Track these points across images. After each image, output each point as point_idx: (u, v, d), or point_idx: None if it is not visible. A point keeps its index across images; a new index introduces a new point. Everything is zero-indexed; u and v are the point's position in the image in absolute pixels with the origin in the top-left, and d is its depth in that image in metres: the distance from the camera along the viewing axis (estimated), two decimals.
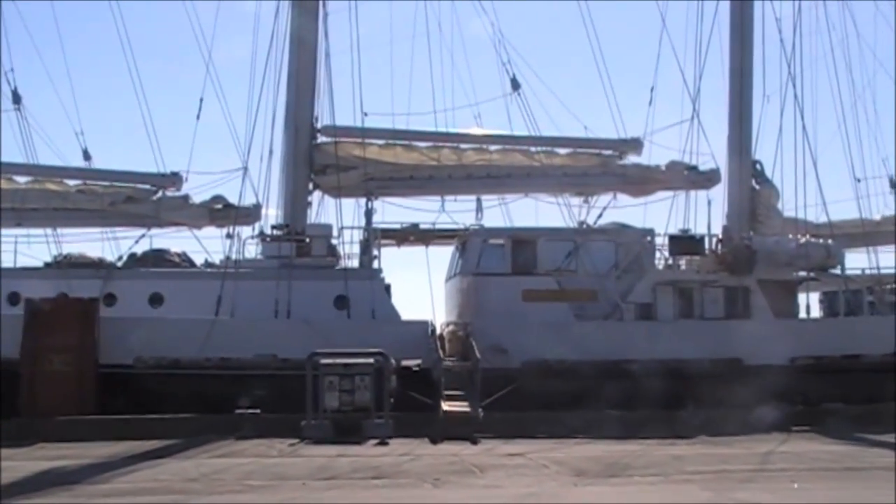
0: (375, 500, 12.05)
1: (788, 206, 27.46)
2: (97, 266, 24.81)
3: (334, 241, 25.53)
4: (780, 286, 26.24)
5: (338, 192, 26.11)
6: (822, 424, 20.13)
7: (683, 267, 26.91)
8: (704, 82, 28.06)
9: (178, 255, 25.92)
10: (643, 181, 27.54)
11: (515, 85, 27.07)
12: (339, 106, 26.39)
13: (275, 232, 25.74)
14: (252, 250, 25.58)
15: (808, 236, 26.63)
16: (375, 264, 25.11)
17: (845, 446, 17.66)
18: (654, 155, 28.17)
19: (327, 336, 21.77)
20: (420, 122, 27.61)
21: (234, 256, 24.87)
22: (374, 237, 25.33)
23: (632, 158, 28.19)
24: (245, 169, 25.00)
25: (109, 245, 25.92)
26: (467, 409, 20.55)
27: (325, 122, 26.66)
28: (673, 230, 26.78)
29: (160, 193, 26.15)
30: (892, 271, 27.97)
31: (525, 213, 28.25)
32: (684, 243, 26.42)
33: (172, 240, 26.35)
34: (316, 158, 26.58)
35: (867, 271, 27.29)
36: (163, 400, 20.54)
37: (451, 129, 27.70)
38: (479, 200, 26.64)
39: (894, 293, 28.65)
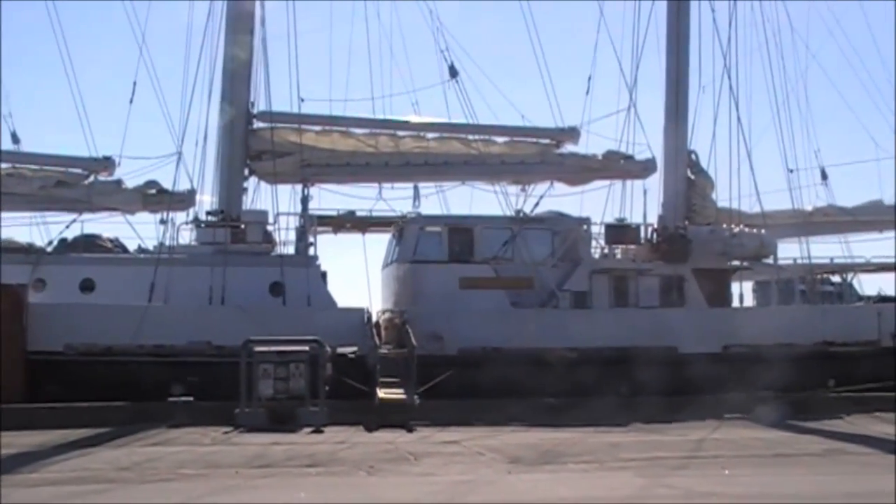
0: (310, 487, 11.95)
1: (723, 197, 27.89)
2: (26, 251, 24.30)
3: (270, 228, 25.32)
4: (714, 275, 26.60)
5: (274, 178, 25.89)
6: (754, 411, 20.39)
7: (619, 255, 27.14)
8: (641, 72, 28.37)
9: (111, 240, 25.48)
10: (580, 170, 27.67)
11: (453, 72, 27.03)
12: (275, 92, 26.20)
13: (209, 218, 25.49)
14: (186, 236, 25.36)
15: (741, 226, 26.99)
16: (311, 251, 24.95)
17: (777, 433, 17.91)
18: (591, 144, 28.37)
19: (262, 323, 21.59)
20: (357, 109, 27.53)
21: (167, 242, 24.54)
22: (310, 224, 25.16)
23: (569, 147, 28.31)
24: (179, 154, 24.72)
25: (39, 230, 25.42)
26: (403, 397, 20.52)
27: (262, 107, 26.40)
28: (609, 219, 27.14)
29: (92, 178, 25.67)
30: (824, 261, 28.47)
31: (462, 201, 28.30)
32: (620, 232, 26.69)
33: (104, 225, 25.97)
34: (252, 144, 26.31)
35: (799, 261, 27.66)
36: (94, 388, 20.16)
37: (389, 117, 27.60)
38: (416, 188, 26.65)
39: (826, 283, 29.20)
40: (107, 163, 25.63)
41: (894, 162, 27.88)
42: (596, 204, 27.96)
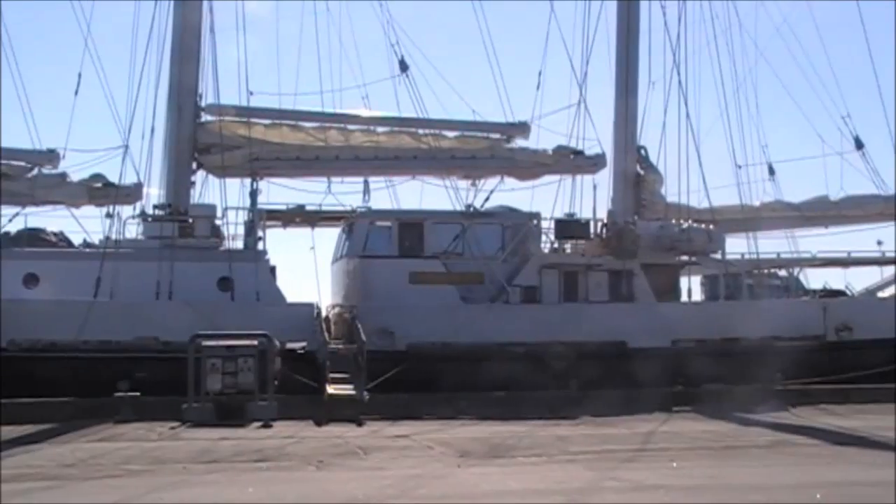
0: (258, 483, 11.87)
1: (672, 192, 28.12)
2: None
3: (218, 222, 25.18)
4: (663, 270, 26.83)
5: (222, 171, 25.69)
6: (702, 405, 20.60)
7: (569, 251, 27.26)
8: (591, 68, 28.52)
9: (55, 234, 25.17)
10: (530, 165, 27.76)
11: (404, 67, 26.95)
12: (224, 84, 26.00)
13: (157, 212, 25.25)
14: (133, 230, 25.09)
15: (690, 221, 27.22)
16: (260, 246, 24.85)
17: (724, 426, 18.09)
18: (542, 139, 28.48)
19: (210, 318, 21.43)
20: (307, 103, 27.43)
21: (113, 236, 24.23)
22: (259, 218, 25.01)
23: (519, 142, 28.41)
24: (126, 147, 24.42)
25: None
26: (352, 392, 20.47)
27: (210, 100, 26.27)
28: (559, 214, 27.21)
29: (35, 171, 25.31)
30: (771, 256, 28.80)
31: (412, 195, 28.25)
32: (570, 227, 26.80)
33: (49, 219, 25.59)
34: (200, 137, 26.13)
35: (746, 256, 27.99)
36: (38, 384, 19.88)
37: (339, 111, 27.51)
38: (366, 182, 26.59)
39: (772, 277, 29.54)
40: (51, 155, 25.29)
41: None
42: (546, 199, 28.10)
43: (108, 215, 24.50)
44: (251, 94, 25.67)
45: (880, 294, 28.98)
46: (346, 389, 20.64)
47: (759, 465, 13.31)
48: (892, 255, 29.43)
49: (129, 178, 24.73)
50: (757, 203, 29.16)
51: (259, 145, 26.04)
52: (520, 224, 25.90)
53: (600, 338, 24.06)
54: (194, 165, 26.31)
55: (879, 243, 29.29)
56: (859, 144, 28.96)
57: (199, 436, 16.52)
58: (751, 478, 12.29)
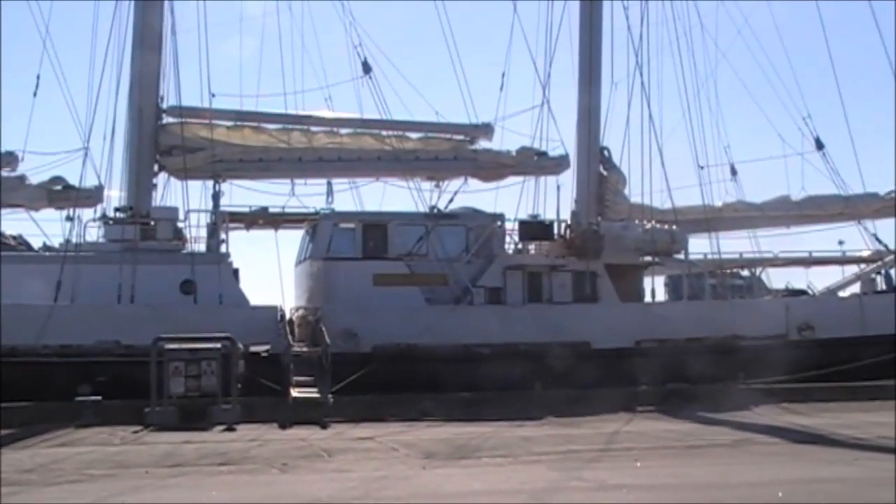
0: (221, 486, 11.85)
1: (635, 192, 28.30)
2: None
3: (180, 225, 25.02)
4: (626, 271, 26.97)
5: (184, 174, 25.53)
6: (665, 404, 20.76)
7: (533, 252, 27.37)
8: (554, 69, 28.67)
9: (14, 237, 24.94)
10: (494, 166, 27.88)
11: (367, 68, 26.97)
12: (185, 86, 25.88)
13: (118, 214, 25.04)
14: (94, 233, 24.87)
15: (653, 222, 27.41)
16: (223, 248, 24.73)
17: (687, 425, 18.23)
18: (505, 140, 28.62)
19: (173, 322, 21.33)
20: (269, 105, 27.43)
21: (74, 240, 24.08)
22: (221, 220, 24.90)
23: (483, 144, 28.53)
24: (86, 149, 24.33)
25: None
26: (316, 395, 20.45)
27: (171, 102, 26.11)
28: (523, 215, 27.32)
29: None
30: (733, 256, 29.06)
31: (376, 197, 28.31)
32: (534, 228, 26.88)
33: (8, 222, 25.41)
34: (161, 139, 26.03)
35: (709, 256, 28.21)
36: None
37: (302, 112, 27.49)
38: (329, 184, 26.59)
39: (735, 277, 29.81)
40: (9, 158, 25.13)
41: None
42: (510, 200, 28.24)
43: (69, 218, 24.41)
44: (213, 95, 25.61)
45: (841, 293, 29.31)
46: (311, 392, 20.60)
47: (721, 464, 13.44)
48: (854, 254, 29.87)
49: (90, 181, 24.69)
50: (719, 203, 29.41)
51: (221, 147, 25.97)
52: (484, 225, 25.97)
53: (564, 338, 24.17)
54: (156, 167, 26.19)
55: (841, 243, 29.73)
56: (820, 145, 29.27)
57: (161, 440, 16.44)
58: (713, 476, 12.42)
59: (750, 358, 23.95)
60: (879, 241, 29.12)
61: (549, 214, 27.46)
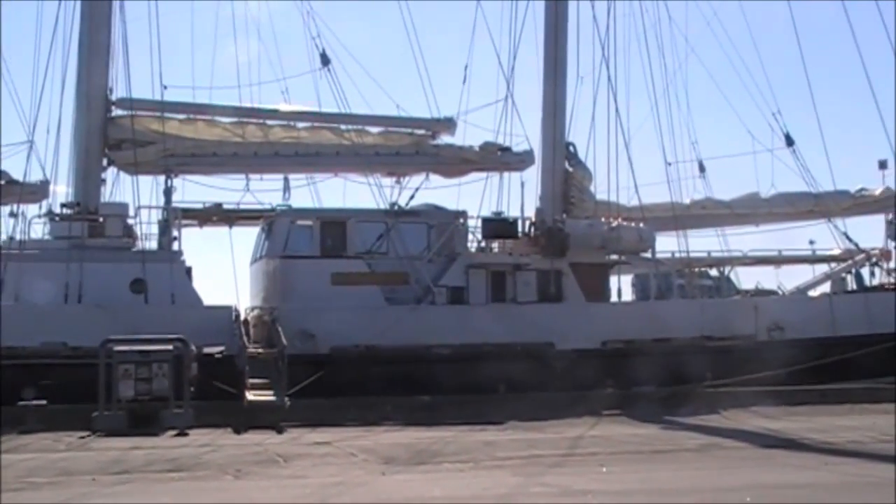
0: (171, 494, 11.75)
1: (601, 189, 28.37)
2: None
3: (130, 221, 24.85)
4: (592, 269, 27.04)
5: (134, 168, 25.41)
6: (632, 407, 20.84)
7: (496, 250, 27.39)
8: (519, 62, 28.70)
9: None
10: (456, 162, 27.89)
11: (325, 60, 26.88)
12: (135, 77, 25.64)
13: (64, 211, 24.84)
14: (39, 230, 24.65)
15: (620, 220, 27.49)
16: (175, 246, 24.55)
17: (654, 429, 18.32)
18: (468, 135, 28.61)
19: (123, 322, 21.19)
20: (223, 97, 27.24)
21: (18, 237, 23.84)
22: (173, 217, 24.74)
23: (445, 138, 28.53)
24: (31, 143, 24.10)
25: None
26: (272, 399, 20.35)
27: (121, 93, 25.87)
28: (486, 212, 27.32)
29: None
30: (702, 254, 29.22)
31: (334, 193, 28.18)
32: (497, 226, 26.90)
33: None
34: (110, 132, 25.79)
35: (677, 255, 28.35)
36: None
37: (257, 105, 27.35)
38: (286, 180, 26.45)
39: (703, 276, 29.99)
40: None
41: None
42: (472, 197, 28.23)
43: (13, 214, 24.21)
44: (165, 87, 25.47)
45: (812, 293, 29.58)
46: (266, 395, 20.52)
47: (688, 469, 13.52)
48: (824, 253, 30.14)
49: (35, 176, 24.46)
50: (687, 201, 29.56)
51: (173, 141, 25.77)
52: (446, 223, 25.95)
53: (528, 339, 24.22)
54: (105, 162, 25.94)
55: (811, 242, 29.98)
56: (790, 141, 29.48)
57: (109, 445, 16.27)
58: (680, 482, 12.47)
59: (718, 359, 24.09)
60: (850, 240, 29.42)
61: (513, 212, 27.60)
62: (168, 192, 24.98)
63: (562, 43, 28.70)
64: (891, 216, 29.57)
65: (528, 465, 13.84)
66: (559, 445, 15.89)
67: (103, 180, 25.99)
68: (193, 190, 26.44)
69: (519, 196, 27.65)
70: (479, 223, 26.78)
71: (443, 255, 25.63)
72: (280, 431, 18.09)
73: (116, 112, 26.05)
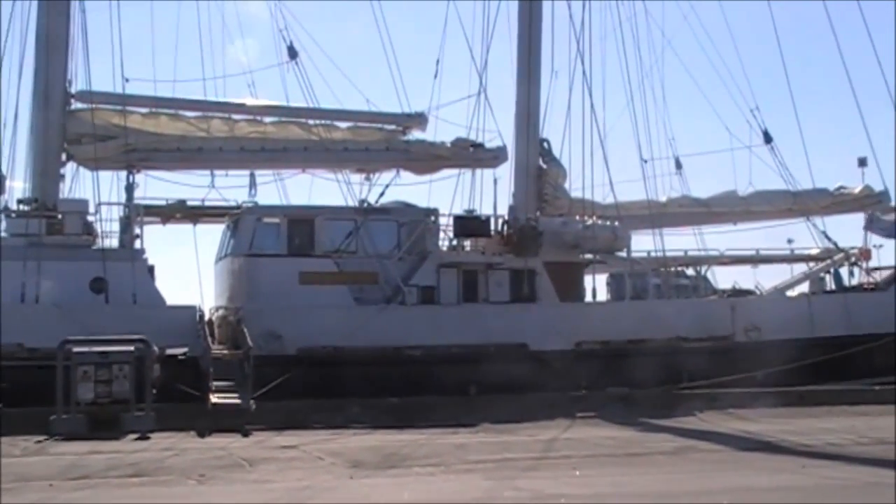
0: (133, 499, 11.70)
1: (576, 187, 28.47)
2: None
3: (91, 218, 24.71)
4: (566, 269, 27.13)
5: (95, 163, 25.17)
6: (606, 410, 20.90)
7: (468, 248, 27.42)
8: (492, 56, 28.74)
9: None
10: (427, 158, 27.91)
11: (293, 53, 26.88)
12: (96, 70, 25.57)
13: (21, 207, 24.71)
14: None
15: (595, 218, 27.57)
16: (137, 244, 24.47)
17: (629, 432, 18.38)
18: (440, 131, 28.67)
19: (82, 323, 21.07)
20: (188, 91, 27.14)
21: None
22: (135, 214, 24.67)
23: (416, 134, 28.57)
24: None
25: None
26: (237, 402, 20.29)
27: (81, 86, 25.79)
28: (458, 210, 27.38)
29: None
30: (678, 253, 29.35)
31: (302, 190, 28.18)
32: (469, 224, 26.94)
33: None
34: (70, 126, 25.66)
35: (653, 253, 28.48)
36: None
37: (223, 99, 27.25)
38: (252, 176, 26.41)
39: (680, 275, 30.11)
40: None
41: None
42: (444, 194, 28.27)
43: None
44: (127, 80, 25.36)
45: (790, 293, 29.77)
46: (231, 398, 20.45)
47: (663, 473, 13.56)
48: (802, 252, 30.35)
49: None
50: (663, 198, 29.70)
51: (135, 135, 25.69)
52: (416, 221, 25.96)
53: (501, 340, 24.27)
54: (64, 157, 25.80)
55: (789, 241, 30.19)
56: (768, 138, 29.69)
57: (68, 450, 16.16)
58: (655, 485, 12.53)
59: (694, 361, 24.22)
60: (829, 239, 29.66)
61: (485, 209, 27.69)
62: (130, 189, 24.95)
63: (536, 37, 28.74)
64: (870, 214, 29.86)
65: (501, 468, 13.85)
66: (532, 448, 15.91)
67: (62, 176, 25.87)
68: (156, 186, 26.45)
69: (491, 193, 27.75)
70: (451, 221, 26.84)
71: (413, 254, 25.62)
72: (245, 435, 18.02)
73: (76, 105, 25.96)
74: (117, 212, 25.04)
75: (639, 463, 14.53)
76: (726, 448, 15.83)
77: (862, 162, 29.65)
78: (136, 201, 24.93)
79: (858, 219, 30.11)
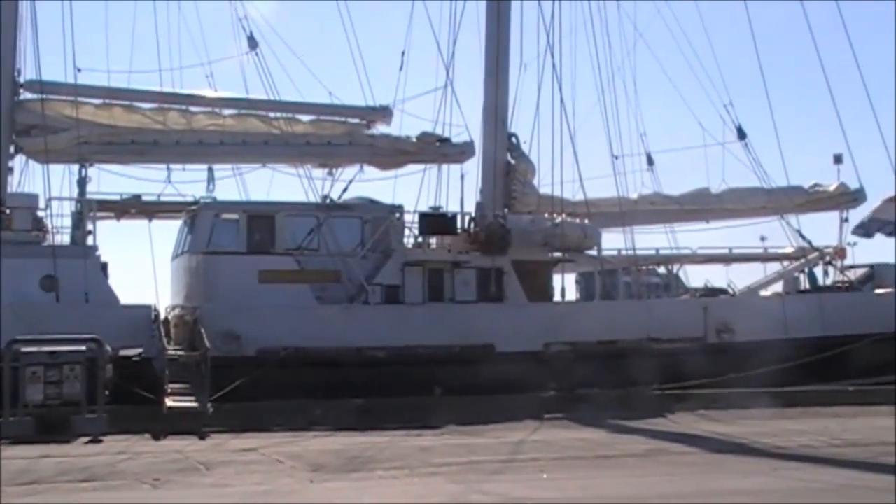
0: None
1: (545, 183, 28.48)
2: None
3: (41, 214, 24.49)
4: (534, 268, 27.21)
5: (45, 156, 25.01)
6: (575, 411, 21.00)
7: (434, 246, 27.42)
8: (459, 48, 28.73)
9: None
10: (392, 153, 27.87)
11: (253, 43, 26.78)
12: (46, 59, 25.33)
13: None
14: None
15: (564, 215, 27.64)
16: (90, 240, 24.28)
17: (598, 434, 18.49)
18: (405, 125, 28.62)
19: (32, 322, 20.85)
20: (143, 82, 27.00)
21: None
22: (88, 209, 24.46)
23: (380, 128, 28.53)
24: None
25: None
26: (194, 405, 20.21)
27: (30, 75, 25.58)
28: (423, 207, 27.37)
29: None
30: (650, 252, 29.47)
31: (262, 185, 28.09)
32: (435, 221, 26.96)
33: None
34: (18, 117, 25.46)
35: (624, 252, 28.53)
36: None
37: (180, 90, 27.11)
38: (210, 170, 26.36)
39: (651, 274, 30.26)
40: None
41: None
42: (409, 190, 28.24)
43: None
44: (79, 70, 25.20)
45: (763, 293, 29.97)
46: (187, 401, 20.37)
47: (633, 476, 13.66)
48: (776, 251, 30.56)
49: None
50: (635, 196, 29.79)
51: (88, 127, 25.49)
52: (381, 217, 25.94)
53: (467, 341, 24.31)
54: (12, 149, 25.59)
55: (763, 239, 30.40)
56: (742, 134, 29.85)
57: (16, 454, 16.04)
58: (624, 488, 12.61)
59: (666, 362, 24.33)
60: (803, 238, 29.85)
61: (451, 206, 27.68)
62: (82, 183, 24.78)
63: (504, 29, 28.77)
64: (846, 214, 30.12)
65: (466, 471, 13.90)
66: (499, 451, 15.97)
67: (11, 169, 25.64)
68: (110, 180, 26.30)
69: (458, 189, 27.78)
70: (416, 218, 26.83)
71: (377, 252, 25.60)
72: (202, 438, 18.00)
73: (25, 95, 25.75)
74: (69, 207, 24.90)
75: (608, 465, 14.62)
76: (698, 450, 15.97)
77: (837, 159, 29.87)
78: (88, 196, 24.74)
79: (833, 217, 30.37)
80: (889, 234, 29.83)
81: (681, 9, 30.81)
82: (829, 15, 37.09)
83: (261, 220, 25.03)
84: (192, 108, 27.17)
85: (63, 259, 23.26)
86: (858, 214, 30.59)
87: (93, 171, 25.29)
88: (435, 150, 27.96)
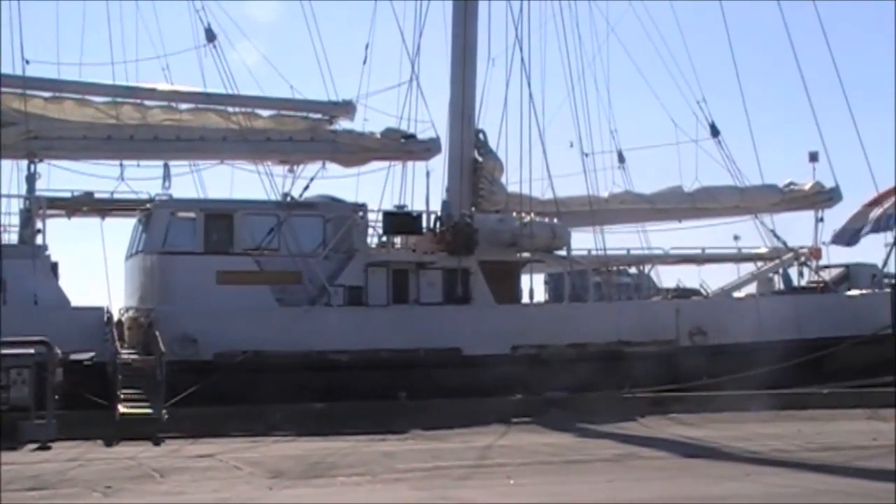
0: None
1: (513, 181, 28.53)
2: None
3: None
4: (502, 268, 27.24)
5: None
6: (543, 415, 21.06)
7: (399, 246, 27.41)
8: (425, 41, 28.70)
9: None
10: (355, 149, 27.83)
11: (211, 36, 26.64)
12: None
13: None
14: None
15: (532, 214, 27.70)
16: (39, 239, 24.17)
17: (567, 438, 18.56)
18: (369, 121, 28.55)
19: None
20: (95, 74, 26.81)
21: None
22: (37, 207, 24.37)
23: (343, 124, 28.48)
24: None
25: None
26: (148, 411, 20.11)
27: None
28: (388, 205, 27.29)
29: None
30: (620, 252, 29.57)
31: (220, 182, 27.98)
32: (400, 220, 26.94)
33: None
34: None
35: (594, 252, 28.64)
36: None
37: (134, 83, 26.97)
38: (166, 167, 26.19)
39: (622, 274, 30.36)
40: None
41: None
42: (373, 188, 28.19)
43: None
44: (27, 62, 25.02)
45: (737, 294, 30.14)
46: (141, 407, 20.27)
47: (603, 481, 13.70)
48: (750, 251, 30.73)
49: None
50: (605, 194, 29.90)
51: (37, 121, 25.32)
52: (343, 216, 25.93)
53: (433, 344, 24.33)
54: None
55: (736, 238, 30.55)
56: (715, 131, 30.03)
57: None
58: (594, 494, 12.64)
59: (637, 365, 24.44)
60: (777, 238, 30.04)
61: (417, 205, 27.66)
62: (31, 179, 24.71)
63: (471, 21, 28.77)
64: (821, 213, 30.34)
65: (431, 477, 13.94)
66: (465, 456, 16.01)
67: None
68: (61, 177, 26.11)
69: (424, 188, 27.81)
70: (380, 217, 26.80)
71: (340, 252, 25.58)
72: (157, 444, 17.96)
73: None
74: (17, 204, 24.83)
75: (577, 471, 14.69)
76: (669, 454, 16.07)
77: (813, 157, 30.12)
78: (38, 193, 24.66)
79: (809, 216, 30.58)
80: (878, 231, 30.15)
81: (654, 5, 30.89)
82: (805, 11, 37.28)
83: (219, 219, 24.95)
84: (147, 103, 27.00)
85: (10, 259, 23.13)
86: (834, 214, 30.88)
87: (42, 168, 25.24)
88: (400, 146, 27.94)
